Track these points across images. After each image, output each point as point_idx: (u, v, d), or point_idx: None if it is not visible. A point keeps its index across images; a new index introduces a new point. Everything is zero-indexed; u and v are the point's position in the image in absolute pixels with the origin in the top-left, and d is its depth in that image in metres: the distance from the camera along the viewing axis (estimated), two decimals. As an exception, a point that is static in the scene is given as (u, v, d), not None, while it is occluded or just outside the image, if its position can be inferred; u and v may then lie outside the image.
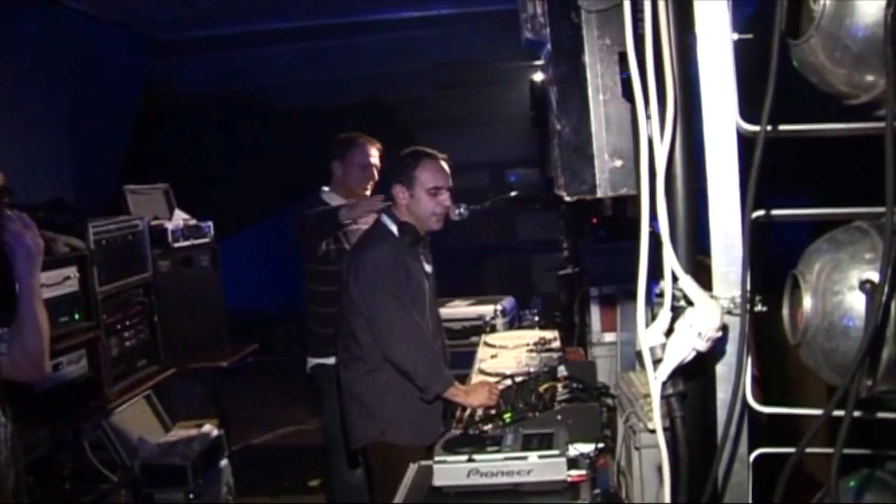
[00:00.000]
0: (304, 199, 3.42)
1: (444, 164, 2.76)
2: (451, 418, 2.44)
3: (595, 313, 3.26)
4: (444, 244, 3.48)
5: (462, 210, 2.97)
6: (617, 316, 3.07)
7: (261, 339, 4.66)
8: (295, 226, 3.29)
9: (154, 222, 4.00)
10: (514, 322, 3.96)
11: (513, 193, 3.52)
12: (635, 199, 1.27)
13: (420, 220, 2.73)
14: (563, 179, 1.37)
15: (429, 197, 2.71)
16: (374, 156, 3.40)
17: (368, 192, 3.38)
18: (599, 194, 1.30)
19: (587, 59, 1.27)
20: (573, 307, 3.48)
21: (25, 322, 1.83)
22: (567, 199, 1.36)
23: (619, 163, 1.29)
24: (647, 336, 1.16)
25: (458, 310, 4.02)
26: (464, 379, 2.79)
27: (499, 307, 3.93)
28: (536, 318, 3.74)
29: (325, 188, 3.44)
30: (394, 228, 2.71)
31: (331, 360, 3.06)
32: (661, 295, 1.22)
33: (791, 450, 1.11)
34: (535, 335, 3.34)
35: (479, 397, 2.46)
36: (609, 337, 3.16)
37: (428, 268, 2.80)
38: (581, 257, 3.75)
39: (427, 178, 2.71)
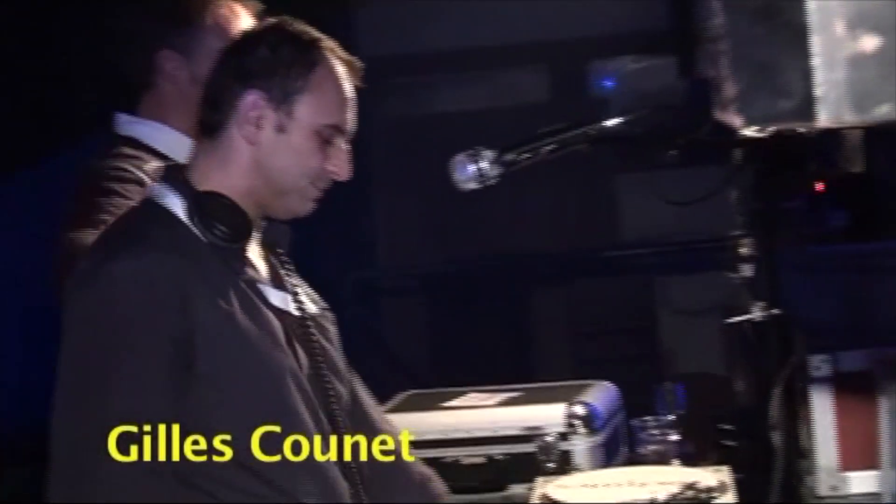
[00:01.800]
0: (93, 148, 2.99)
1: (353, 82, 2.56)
2: None
3: (824, 421, 2.88)
4: (430, 250, 3.38)
5: (485, 164, 2.63)
6: (881, 428, 2.81)
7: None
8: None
9: None
10: (618, 444, 3.44)
11: (608, 123, 2.86)
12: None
13: (276, 191, 2.40)
14: (736, 89, 1.32)
15: (314, 143, 2.35)
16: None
17: None
18: (823, 121, 1.23)
19: None
20: (768, 406, 3.01)
21: None
22: (747, 131, 1.32)
23: (871, 43, 1.21)
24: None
25: (477, 417, 3.36)
26: None
27: (578, 410, 3.24)
28: (675, 437, 3.15)
29: (129, 115, 2.92)
30: (177, 204, 2.30)
31: None
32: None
33: None
34: (672, 477, 2.85)
35: None
36: (860, 482, 2.87)
37: (302, 300, 2.48)
38: (787, 281, 3.22)
39: (324, 104, 2.36)
